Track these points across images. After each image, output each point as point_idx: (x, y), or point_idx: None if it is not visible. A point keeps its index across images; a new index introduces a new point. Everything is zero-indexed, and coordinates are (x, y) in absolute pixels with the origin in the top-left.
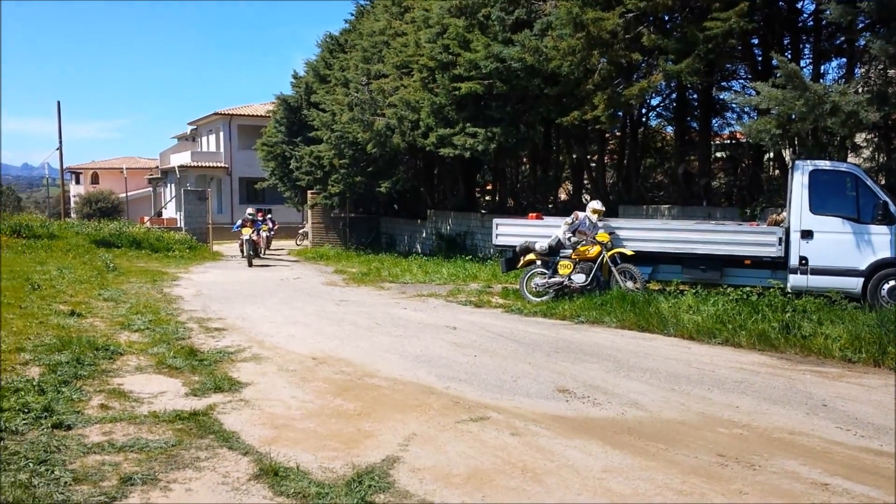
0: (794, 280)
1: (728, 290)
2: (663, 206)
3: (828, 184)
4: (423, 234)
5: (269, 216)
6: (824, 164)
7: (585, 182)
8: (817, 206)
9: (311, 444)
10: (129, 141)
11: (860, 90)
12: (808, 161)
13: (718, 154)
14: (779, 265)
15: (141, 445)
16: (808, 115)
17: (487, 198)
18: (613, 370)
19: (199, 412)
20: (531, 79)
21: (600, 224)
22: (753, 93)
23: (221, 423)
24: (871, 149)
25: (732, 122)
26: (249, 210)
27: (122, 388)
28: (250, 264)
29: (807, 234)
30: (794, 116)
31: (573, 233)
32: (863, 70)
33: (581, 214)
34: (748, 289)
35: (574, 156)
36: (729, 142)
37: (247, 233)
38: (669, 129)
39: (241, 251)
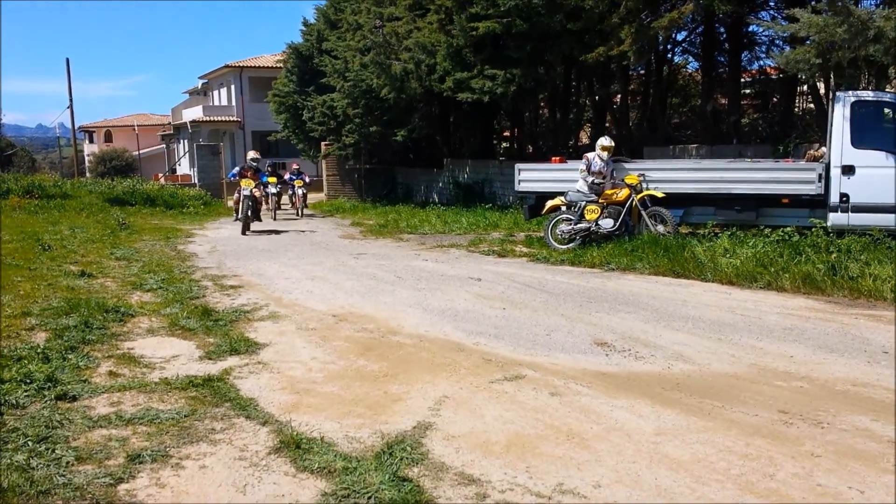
0: (835, 218)
1: (765, 231)
2: (691, 145)
3: (870, 116)
4: (440, 184)
5: (298, 172)
6: (867, 95)
7: (608, 124)
8: (859, 140)
9: (336, 411)
10: (144, 98)
11: None
12: (850, 92)
13: (746, 91)
14: (818, 203)
15: (151, 417)
16: (851, 43)
17: (504, 145)
18: (652, 320)
19: (213, 377)
20: (552, 15)
21: (612, 162)
22: (787, 22)
23: (238, 389)
24: None
25: (762, 56)
26: (252, 154)
27: (133, 352)
28: (244, 231)
29: (848, 170)
30: (834, 44)
31: (591, 174)
32: None
33: (591, 155)
34: (788, 229)
35: (596, 96)
36: (758, 77)
37: (247, 186)
38: (693, 67)
39: (236, 212)
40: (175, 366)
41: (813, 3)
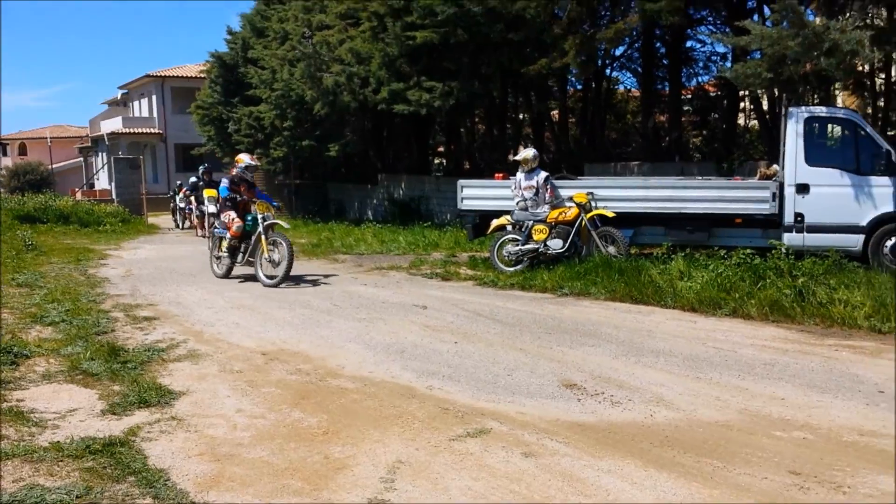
0: (790, 239)
1: (721, 252)
2: (632, 162)
3: (824, 132)
4: (375, 200)
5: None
6: (821, 111)
7: (547, 139)
8: (814, 157)
9: (265, 486)
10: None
11: (860, 26)
12: (804, 107)
13: (685, 108)
14: (772, 223)
15: (34, 500)
16: (804, 56)
17: (438, 160)
18: (620, 354)
19: (116, 440)
20: (493, 24)
21: (535, 174)
22: (735, 35)
23: (145, 457)
24: (862, 96)
25: (700, 72)
26: (247, 160)
27: (22, 405)
28: (227, 274)
29: (802, 189)
30: (785, 58)
31: (521, 190)
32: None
33: (518, 174)
34: (748, 251)
35: (535, 111)
36: (698, 94)
37: (261, 211)
38: (627, 86)
39: (215, 252)
40: (71, 423)
41: (756, 17)
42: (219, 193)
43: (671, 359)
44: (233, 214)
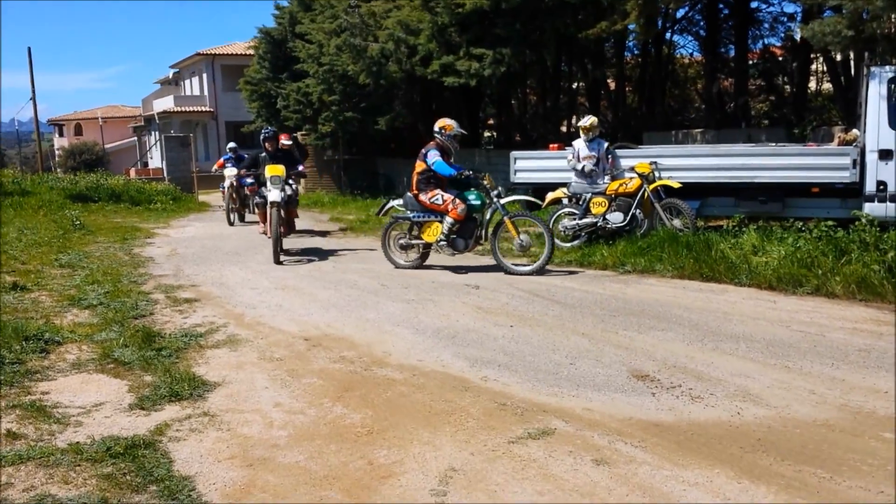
0: (871, 209)
1: (799, 224)
2: (695, 130)
3: None
4: None
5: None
6: None
7: (603, 109)
8: None
9: (301, 499)
10: (119, 90)
11: None
12: (888, 67)
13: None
14: (852, 192)
15: None
16: (889, 11)
17: (488, 133)
18: (695, 340)
19: (140, 441)
20: None
21: (596, 144)
22: None
23: (171, 461)
24: None
25: (766, 34)
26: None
27: (47, 399)
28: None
29: (886, 155)
30: (867, 14)
31: (580, 161)
32: None
33: (577, 142)
34: (829, 223)
35: (590, 79)
36: (765, 57)
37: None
38: (687, 50)
39: (402, 239)
40: (96, 420)
41: None
42: (434, 169)
43: (753, 345)
44: (444, 194)
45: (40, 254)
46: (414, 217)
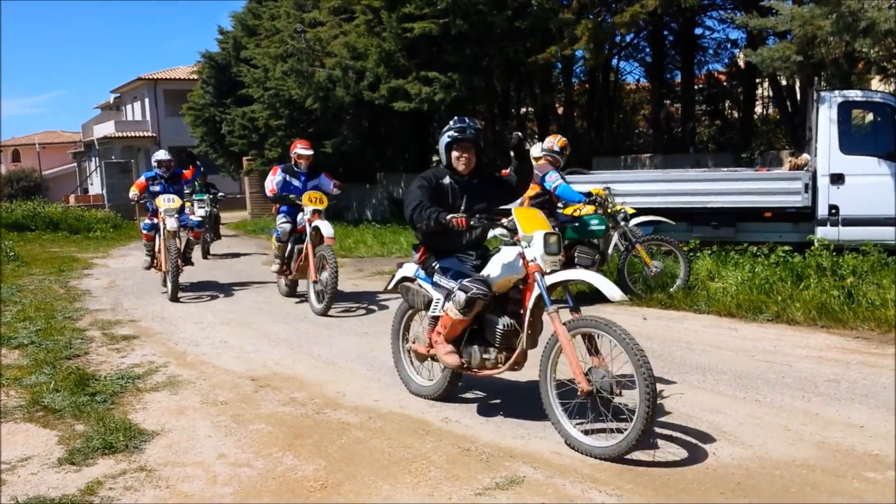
0: (824, 232)
1: (753, 249)
2: (643, 155)
3: (860, 118)
4: (374, 200)
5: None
6: (856, 95)
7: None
8: (848, 145)
9: None
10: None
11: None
12: (837, 92)
13: (696, 98)
14: (803, 216)
15: None
16: (838, 37)
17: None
18: (660, 372)
19: (69, 503)
20: (496, 12)
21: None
22: (757, 15)
23: None
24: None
25: (710, 60)
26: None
27: None
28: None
29: (837, 179)
30: (815, 39)
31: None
32: None
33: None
34: (786, 248)
35: (539, 105)
36: (711, 83)
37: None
38: (634, 76)
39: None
40: (21, 478)
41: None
42: (559, 194)
43: (720, 377)
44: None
45: None
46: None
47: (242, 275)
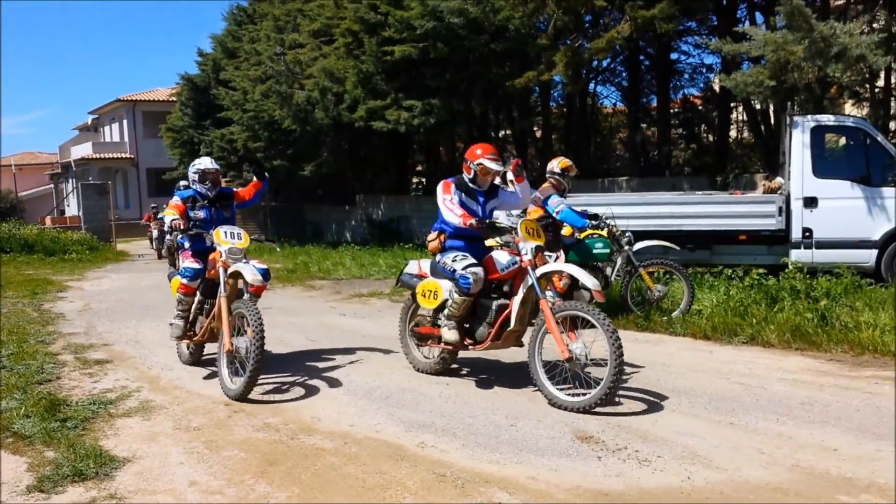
0: (798, 255)
1: (728, 272)
2: (620, 178)
3: (827, 142)
4: (353, 222)
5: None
6: (828, 120)
7: (531, 156)
8: (821, 169)
9: None
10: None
11: (866, 31)
12: (809, 116)
13: (672, 122)
14: (778, 239)
15: None
16: (810, 62)
17: (417, 179)
18: (637, 395)
19: None
20: (475, 37)
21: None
22: (731, 41)
23: None
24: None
25: (686, 84)
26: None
27: None
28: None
29: (810, 202)
30: (788, 64)
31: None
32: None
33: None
34: (761, 270)
35: (518, 128)
36: (686, 107)
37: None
38: (611, 101)
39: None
40: None
41: (746, 24)
42: (561, 219)
43: (695, 399)
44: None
45: None
46: None
47: None
